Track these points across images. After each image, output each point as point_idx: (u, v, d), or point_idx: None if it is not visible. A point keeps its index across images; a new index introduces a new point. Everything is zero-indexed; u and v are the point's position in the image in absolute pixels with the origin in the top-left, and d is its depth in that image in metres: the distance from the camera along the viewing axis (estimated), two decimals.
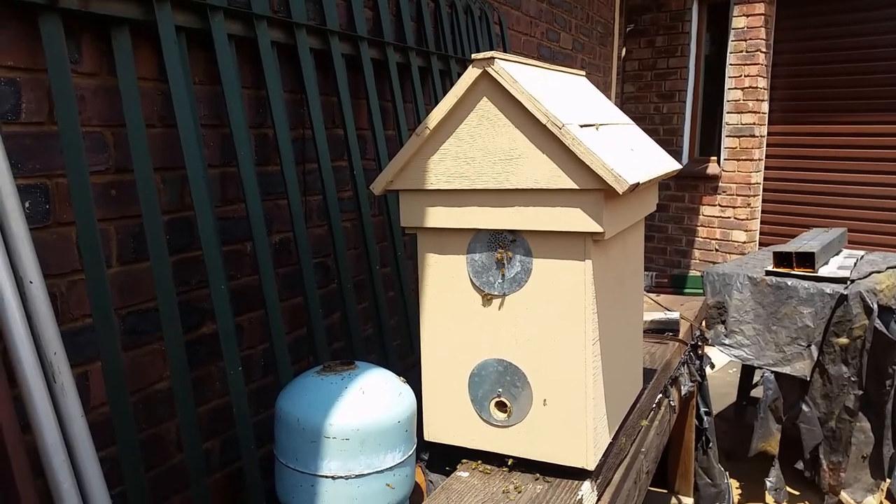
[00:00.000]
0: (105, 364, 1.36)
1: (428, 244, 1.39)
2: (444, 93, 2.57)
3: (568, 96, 1.39)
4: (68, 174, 1.32)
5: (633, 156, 1.36)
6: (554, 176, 1.22)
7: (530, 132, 1.23)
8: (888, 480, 3.03)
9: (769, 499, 3.11)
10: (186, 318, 1.68)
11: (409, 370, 1.65)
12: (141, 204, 1.46)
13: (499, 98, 1.25)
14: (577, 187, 1.21)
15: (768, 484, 2.96)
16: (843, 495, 3.00)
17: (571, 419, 1.31)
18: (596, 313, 1.30)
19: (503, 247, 1.31)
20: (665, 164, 1.55)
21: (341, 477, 1.19)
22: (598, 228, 1.22)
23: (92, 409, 1.47)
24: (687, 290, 6.02)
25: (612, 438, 1.47)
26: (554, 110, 1.21)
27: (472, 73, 1.25)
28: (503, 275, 1.32)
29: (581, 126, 1.25)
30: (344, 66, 2.06)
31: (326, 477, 1.19)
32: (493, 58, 1.22)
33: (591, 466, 1.33)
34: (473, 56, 1.23)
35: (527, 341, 1.33)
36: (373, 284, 2.10)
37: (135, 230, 1.56)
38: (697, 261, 6.30)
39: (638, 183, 1.23)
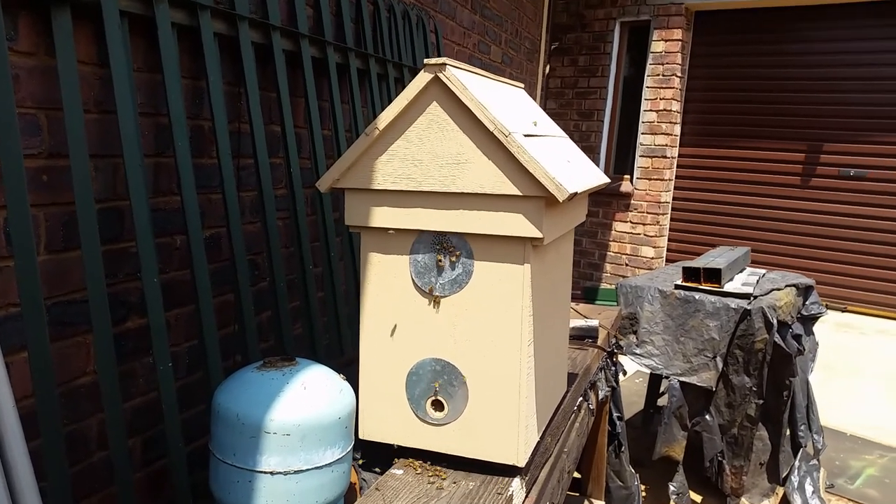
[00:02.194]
0: (33, 355, 1.31)
1: (372, 243, 1.41)
2: (381, 96, 2.60)
3: (511, 106, 1.45)
4: (0, 156, 1.27)
5: (570, 167, 1.43)
6: (499, 182, 1.27)
7: (478, 138, 1.27)
8: (782, 487, 3.23)
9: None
10: (112, 311, 1.63)
11: (340, 371, 1.67)
12: (75, 191, 1.41)
13: (448, 103, 1.28)
14: (520, 193, 1.26)
15: (671, 488, 3.10)
16: (742, 501, 3.19)
17: (504, 418, 1.36)
18: (532, 316, 1.35)
19: (446, 249, 1.35)
20: (597, 177, 1.63)
21: (280, 472, 1.19)
22: (538, 234, 1.27)
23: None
24: (598, 302, 6.24)
25: (540, 438, 1.53)
26: (501, 118, 1.26)
27: (423, 78, 1.28)
28: (445, 276, 1.36)
29: (525, 136, 1.31)
30: (284, 61, 2.05)
31: (265, 473, 1.19)
32: (445, 64, 1.26)
33: (522, 463, 1.37)
34: (426, 61, 1.27)
35: (465, 341, 1.37)
36: (305, 284, 2.10)
37: (65, 218, 1.51)
38: (609, 274, 6.53)
39: (576, 192, 1.29)
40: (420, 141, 1.32)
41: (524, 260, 1.30)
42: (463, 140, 1.28)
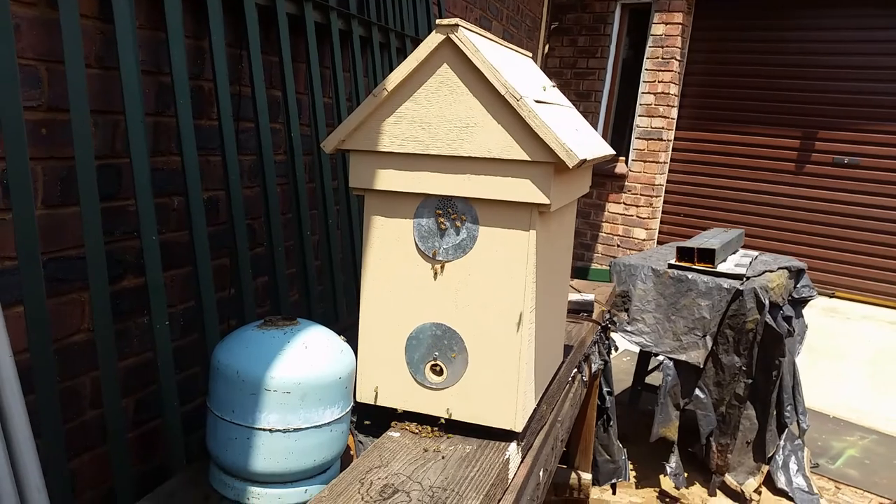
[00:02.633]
0: (29, 310, 1.30)
1: (375, 206, 1.40)
2: (383, 65, 2.57)
3: (521, 72, 1.43)
4: (0, 107, 1.25)
5: (578, 135, 1.42)
6: (507, 146, 1.26)
7: (488, 102, 1.26)
8: (767, 465, 3.28)
9: (667, 481, 3.30)
10: (108, 269, 1.61)
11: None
12: (75, 147, 1.39)
13: (459, 65, 1.27)
14: (528, 159, 1.25)
15: (669, 469, 3.14)
16: (728, 478, 3.23)
17: (503, 383, 1.36)
18: (535, 283, 1.35)
19: (451, 213, 1.34)
20: (603, 147, 1.62)
21: (279, 430, 1.19)
22: (546, 200, 1.27)
23: None
24: (585, 280, 6.26)
25: (536, 405, 1.54)
26: (512, 82, 1.25)
27: (434, 38, 1.27)
28: (449, 241, 1.35)
29: (535, 101, 1.30)
30: (287, 24, 2.02)
31: (264, 430, 1.18)
32: (458, 25, 1.25)
33: (519, 428, 1.38)
34: (438, 21, 1.25)
35: (466, 307, 1.36)
36: (302, 250, 2.09)
37: (62, 173, 1.49)
38: (600, 255, 6.55)
39: (585, 159, 1.29)
40: (429, 103, 1.30)
41: (530, 226, 1.30)
42: (473, 103, 1.27)
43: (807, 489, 3.21)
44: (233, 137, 1.82)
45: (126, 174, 1.64)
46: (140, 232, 1.55)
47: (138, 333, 1.76)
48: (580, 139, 1.40)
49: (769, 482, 3.31)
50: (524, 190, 1.27)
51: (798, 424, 3.34)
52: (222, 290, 2.03)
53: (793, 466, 3.25)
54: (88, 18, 1.49)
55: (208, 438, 1.26)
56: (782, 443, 3.27)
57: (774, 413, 3.22)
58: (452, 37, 1.26)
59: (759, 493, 3.23)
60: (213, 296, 1.74)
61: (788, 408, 3.24)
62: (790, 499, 3.21)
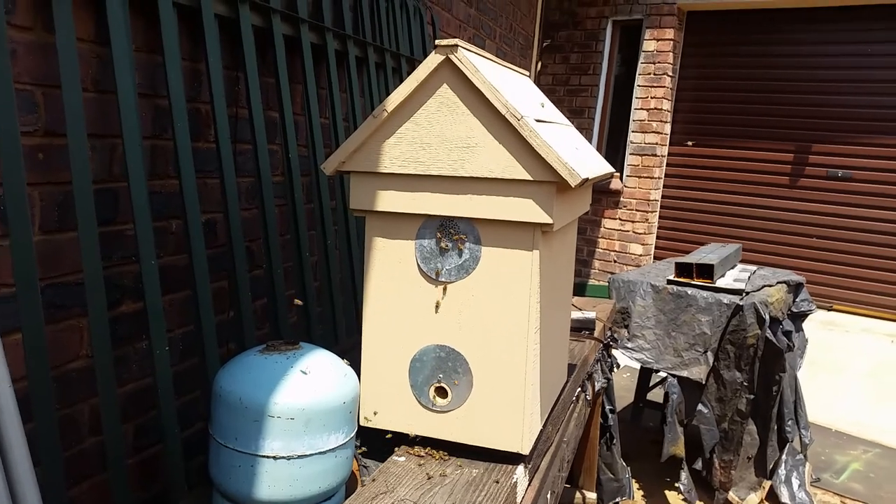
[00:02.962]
0: (27, 337, 1.28)
1: (377, 228, 1.39)
2: (379, 85, 2.58)
3: (520, 92, 1.43)
4: None
5: (579, 153, 1.42)
6: (509, 166, 1.25)
7: (488, 122, 1.26)
8: (769, 480, 3.25)
9: (672, 497, 3.28)
10: (107, 295, 1.60)
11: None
12: (72, 171, 1.38)
13: (459, 86, 1.27)
14: (530, 178, 1.25)
15: (681, 487, 3.11)
16: (730, 494, 3.21)
17: (509, 405, 1.35)
18: (539, 303, 1.34)
19: (453, 234, 1.33)
20: (603, 165, 1.62)
21: (283, 457, 1.17)
22: (549, 220, 1.26)
23: None
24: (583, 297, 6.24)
25: (542, 426, 1.52)
26: (512, 102, 1.24)
27: (434, 59, 1.27)
28: (451, 262, 1.34)
29: (536, 120, 1.29)
30: (284, 46, 2.02)
31: (268, 457, 1.16)
32: (457, 45, 1.24)
33: (526, 451, 1.36)
34: (437, 42, 1.25)
35: (471, 328, 1.35)
36: (301, 272, 2.07)
37: (59, 198, 1.48)
38: (597, 270, 6.55)
39: (588, 178, 1.28)
40: (429, 124, 1.30)
41: (533, 246, 1.29)
42: (473, 123, 1.27)
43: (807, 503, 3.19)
44: (231, 159, 1.81)
45: (124, 198, 1.63)
46: (139, 256, 1.54)
47: (137, 359, 1.74)
48: (581, 157, 1.40)
49: (772, 498, 3.29)
50: (527, 210, 1.27)
51: (801, 439, 3.32)
52: (221, 312, 2.01)
53: (795, 482, 3.23)
54: (85, 42, 1.48)
55: (210, 466, 1.24)
56: (784, 458, 3.25)
57: (775, 428, 3.20)
58: (452, 57, 1.25)
59: None
60: (213, 319, 1.72)
61: (789, 422, 3.23)
62: None
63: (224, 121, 1.78)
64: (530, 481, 1.41)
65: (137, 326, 1.72)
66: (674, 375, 3.22)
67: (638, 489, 3.34)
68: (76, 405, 1.59)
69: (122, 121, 1.48)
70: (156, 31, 1.62)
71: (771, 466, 3.22)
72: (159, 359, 1.54)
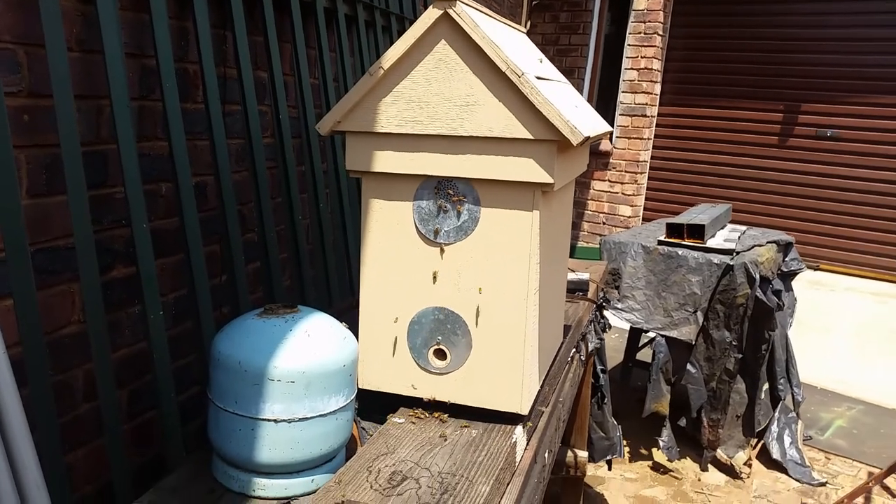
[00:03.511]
0: (18, 303, 1.25)
1: (373, 189, 1.37)
2: (369, 44, 2.52)
3: (519, 48, 1.40)
4: None
5: (578, 111, 1.39)
6: (509, 125, 1.23)
7: (488, 79, 1.23)
8: (757, 439, 3.30)
9: (659, 455, 3.33)
10: (98, 259, 1.57)
11: None
12: (60, 133, 1.34)
13: (458, 42, 1.24)
14: (531, 137, 1.23)
15: (661, 443, 3.16)
16: (718, 452, 3.26)
17: (508, 366, 1.35)
18: (539, 264, 1.33)
19: (452, 194, 1.31)
20: (602, 124, 1.60)
21: (284, 420, 1.16)
22: (549, 179, 1.24)
23: None
24: (576, 259, 6.27)
25: (539, 387, 1.52)
26: (513, 58, 1.21)
27: (431, 14, 1.23)
28: (450, 223, 1.32)
29: (537, 77, 1.27)
30: (272, 3, 1.97)
31: (269, 420, 1.16)
32: None
33: (525, 411, 1.37)
34: None
35: (469, 290, 1.34)
36: (295, 235, 2.05)
37: (46, 161, 1.44)
38: (586, 232, 6.56)
39: (589, 136, 1.26)
40: (427, 82, 1.27)
41: (533, 206, 1.27)
42: (473, 81, 1.24)
43: (799, 461, 3.26)
44: (220, 121, 1.77)
45: (113, 161, 1.59)
46: (130, 220, 1.51)
47: (130, 324, 1.72)
48: (581, 115, 1.38)
49: (763, 455, 3.35)
50: (527, 169, 1.25)
51: (793, 397, 3.37)
52: (214, 276, 1.99)
53: (787, 439, 3.29)
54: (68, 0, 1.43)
55: (210, 430, 1.23)
56: (776, 415, 3.30)
57: (767, 387, 3.24)
58: (450, 12, 1.22)
59: (750, 466, 3.27)
60: (207, 283, 1.70)
61: (781, 381, 3.27)
62: (783, 470, 3.25)
63: (213, 81, 1.74)
64: (528, 441, 1.42)
65: (130, 291, 1.70)
66: (663, 336, 3.25)
67: (625, 446, 3.40)
68: (70, 371, 1.57)
69: (110, 81, 1.44)
70: None
71: (763, 426, 3.27)
72: (154, 323, 1.53)
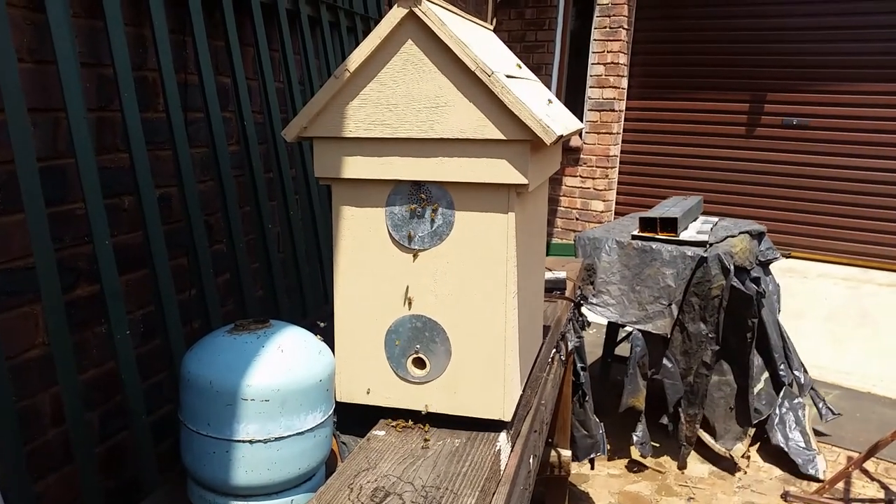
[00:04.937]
0: None
1: (344, 196, 1.33)
2: (334, 46, 2.48)
3: (487, 46, 1.37)
4: None
5: (550, 109, 1.37)
6: (481, 126, 1.20)
7: (457, 79, 1.20)
8: (755, 428, 3.29)
9: (635, 452, 3.33)
10: (60, 278, 1.51)
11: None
12: (14, 148, 1.28)
13: (425, 41, 1.20)
14: (504, 138, 1.20)
15: (635, 438, 3.15)
16: (716, 445, 3.25)
17: (489, 372, 1.31)
18: (516, 266, 1.30)
19: (425, 199, 1.28)
20: (574, 121, 1.58)
21: (260, 441, 1.12)
22: (524, 180, 1.21)
23: None
24: (551, 256, 6.27)
25: (522, 391, 1.50)
26: (482, 57, 1.18)
27: (397, 13, 1.20)
28: (424, 228, 1.29)
29: (507, 76, 1.24)
30: (232, 6, 1.92)
31: (244, 441, 1.11)
32: None
33: (508, 418, 1.34)
34: None
35: (447, 296, 1.31)
36: (265, 244, 2.00)
37: (2, 178, 1.38)
38: (559, 229, 6.57)
39: (563, 135, 1.24)
40: (395, 83, 1.23)
41: (508, 208, 1.24)
42: (442, 81, 1.21)
43: (804, 445, 3.24)
44: (183, 129, 1.72)
45: (72, 175, 1.53)
46: (91, 236, 1.45)
47: (98, 343, 1.66)
48: (553, 113, 1.35)
49: (766, 443, 3.33)
50: (500, 171, 1.22)
51: (796, 381, 3.36)
52: (182, 291, 1.93)
53: (790, 423, 3.28)
54: (16, 7, 1.37)
55: (183, 453, 1.19)
56: (780, 401, 3.29)
57: (766, 375, 3.24)
58: (416, 10, 1.18)
59: (748, 458, 3.27)
60: (174, 298, 1.65)
61: (782, 366, 3.27)
62: (785, 459, 3.23)
63: (173, 88, 1.69)
64: (513, 447, 1.39)
65: (95, 310, 1.64)
66: (639, 329, 3.25)
67: (608, 443, 3.38)
68: (36, 395, 1.51)
69: (65, 93, 1.38)
70: None
71: (765, 415, 3.26)
72: (120, 343, 1.47)
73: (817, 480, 3.11)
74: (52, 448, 1.56)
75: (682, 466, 3.26)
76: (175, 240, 1.87)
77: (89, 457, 1.41)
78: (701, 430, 3.31)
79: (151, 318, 1.82)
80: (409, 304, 1.33)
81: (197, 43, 1.78)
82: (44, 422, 1.53)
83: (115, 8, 1.51)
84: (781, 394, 3.30)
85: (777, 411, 3.29)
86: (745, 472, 3.22)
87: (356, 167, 1.29)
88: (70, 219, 1.56)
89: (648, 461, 3.32)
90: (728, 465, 3.25)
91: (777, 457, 3.28)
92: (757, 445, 3.39)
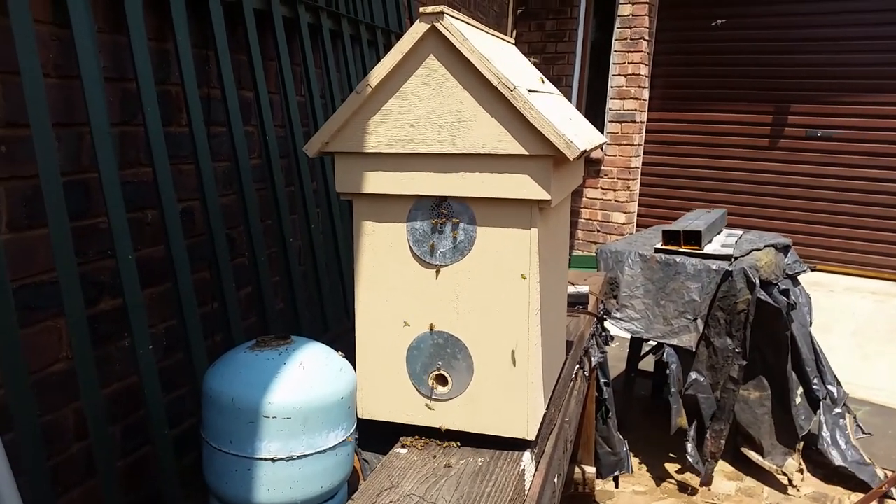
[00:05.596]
0: (0, 341, 1.20)
1: (365, 211, 1.32)
2: (356, 59, 2.48)
3: (509, 60, 1.36)
4: None
5: (572, 124, 1.35)
6: (503, 141, 1.19)
7: (479, 94, 1.19)
8: (802, 442, 3.21)
9: (669, 468, 3.27)
10: (84, 292, 1.51)
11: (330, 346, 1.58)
12: (38, 163, 1.29)
13: (447, 56, 1.19)
14: (526, 153, 1.18)
15: (689, 459, 3.09)
16: (764, 462, 3.18)
17: (512, 390, 1.30)
18: (539, 282, 1.28)
19: (447, 214, 1.27)
20: (597, 135, 1.56)
21: (282, 459, 1.11)
22: (546, 196, 1.20)
23: None
24: (572, 269, 6.22)
25: (545, 408, 1.47)
26: (504, 71, 1.17)
27: (419, 28, 1.19)
28: (446, 244, 1.28)
29: (529, 91, 1.23)
30: (254, 20, 1.92)
31: (265, 459, 1.10)
32: (443, 12, 1.17)
33: (532, 437, 1.32)
34: (421, 10, 1.17)
35: (469, 312, 1.29)
36: (286, 258, 2.00)
37: (27, 193, 1.39)
38: (580, 241, 6.52)
39: (585, 150, 1.22)
40: (416, 98, 1.22)
41: (531, 224, 1.23)
42: (463, 96, 1.20)
43: (860, 460, 3.17)
44: (205, 143, 1.73)
45: (95, 189, 1.54)
46: (115, 250, 1.46)
47: (121, 357, 1.67)
48: (575, 128, 1.33)
49: (816, 455, 3.25)
50: (523, 186, 1.20)
51: (829, 394, 3.28)
52: (204, 304, 1.93)
53: (840, 440, 3.21)
54: (43, 24, 1.38)
55: (205, 470, 1.18)
56: (822, 417, 3.22)
57: (801, 390, 3.17)
58: (438, 25, 1.18)
59: (802, 473, 3.19)
60: (197, 312, 1.65)
61: (815, 380, 3.21)
62: (820, 475, 3.15)
63: (196, 103, 1.70)
64: (537, 467, 1.37)
65: (119, 324, 1.64)
66: (663, 344, 3.20)
67: (633, 459, 3.33)
68: (59, 410, 1.52)
69: (89, 107, 1.39)
70: (119, 9, 1.52)
71: (805, 429, 3.18)
72: (143, 358, 1.47)
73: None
74: (75, 462, 1.56)
75: (707, 483, 3.19)
76: (198, 253, 1.88)
77: (111, 471, 1.40)
78: (746, 449, 3.25)
79: (174, 331, 1.82)
80: (431, 320, 1.31)
81: (220, 57, 1.78)
82: (67, 436, 1.54)
83: (138, 23, 1.52)
84: (821, 409, 3.22)
85: (825, 430, 3.21)
86: (797, 489, 3.14)
87: (377, 182, 1.28)
88: (93, 233, 1.56)
89: (674, 478, 3.26)
90: (765, 478, 3.18)
91: (810, 472, 3.21)
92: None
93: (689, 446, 3.11)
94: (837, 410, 3.27)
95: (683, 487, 3.21)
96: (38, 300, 1.44)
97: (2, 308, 1.20)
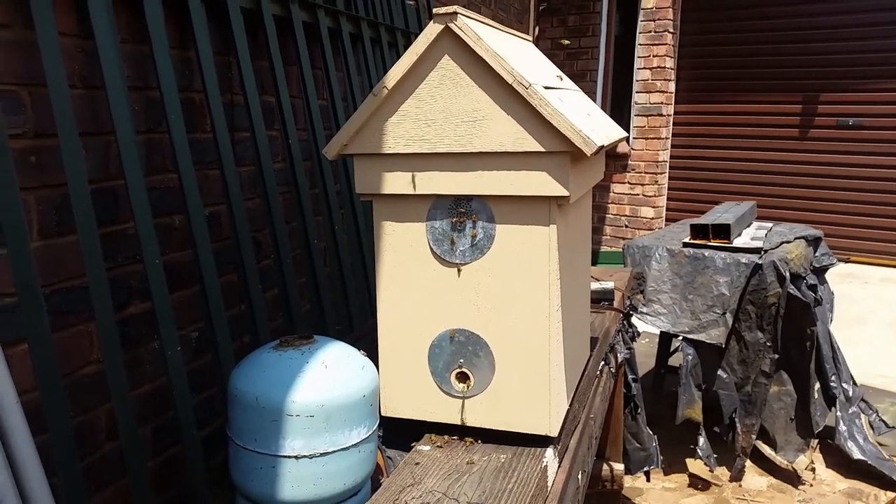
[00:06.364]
0: (33, 346, 1.24)
1: (385, 212, 1.33)
2: (376, 61, 2.50)
3: (525, 58, 1.36)
4: None
5: (591, 120, 1.35)
6: (519, 138, 1.19)
7: (495, 92, 1.19)
8: (818, 439, 3.17)
9: (697, 465, 3.24)
10: (113, 296, 1.55)
11: (353, 346, 1.60)
12: (66, 172, 1.33)
13: (462, 56, 1.20)
14: (543, 150, 1.19)
15: (699, 452, 3.07)
16: (777, 457, 3.14)
17: (534, 387, 1.30)
18: (559, 279, 1.28)
19: (465, 213, 1.27)
20: (616, 130, 1.55)
21: (305, 456, 1.13)
22: (565, 192, 1.20)
23: None
24: (600, 265, 6.18)
25: (568, 405, 1.47)
26: (519, 69, 1.18)
27: (433, 29, 1.20)
28: (465, 242, 1.28)
29: (545, 87, 1.23)
30: (275, 26, 1.95)
31: (289, 457, 1.12)
32: (457, 13, 1.18)
33: (555, 433, 1.32)
34: (435, 11, 1.18)
35: (489, 309, 1.30)
36: (311, 259, 2.02)
37: (57, 201, 1.43)
38: (608, 237, 6.48)
39: (603, 145, 1.22)
40: (432, 98, 1.23)
41: (550, 221, 1.23)
42: (479, 95, 1.20)
43: (880, 456, 3.13)
44: (229, 149, 1.76)
45: (122, 196, 1.58)
46: (142, 255, 1.49)
47: (151, 359, 1.71)
48: (594, 123, 1.33)
49: (834, 453, 3.21)
50: (541, 183, 1.21)
51: (844, 392, 3.24)
52: (232, 307, 1.96)
53: (858, 436, 3.17)
54: (68, 36, 1.42)
55: (231, 468, 1.20)
56: (839, 414, 3.18)
57: (818, 385, 3.13)
58: (452, 26, 1.19)
59: (813, 470, 3.15)
60: (224, 314, 1.68)
61: (833, 378, 3.16)
62: (847, 472, 3.11)
63: (219, 109, 1.73)
64: (560, 463, 1.37)
65: (148, 327, 1.68)
66: (691, 339, 3.17)
67: (661, 455, 3.30)
68: (92, 411, 1.55)
69: (114, 116, 1.43)
70: (141, 20, 1.55)
71: (820, 425, 3.15)
72: (171, 359, 1.50)
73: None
74: (108, 462, 1.60)
75: (738, 479, 3.16)
76: (224, 256, 1.91)
77: (142, 471, 1.44)
78: (759, 442, 3.20)
79: (203, 333, 1.86)
80: (452, 318, 1.32)
81: (241, 64, 1.81)
82: (100, 436, 1.58)
83: (160, 33, 1.55)
84: (837, 407, 3.18)
85: (843, 425, 3.17)
86: (811, 485, 3.10)
87: (396, 183, 1.29)
88: (122, 238, 1.60)
89: (705, 474, 3.23)
90: (789, 477, 3.14)
91: (840, 469, 3.16)
92: (819, 458, 3.27)
93: (701, 440, 3.08)
94: (853, 409, 3.22)
95: (714, 484, 3.17)
96: (69, 305, 1.47)
97: (34, 313, 1.24)
